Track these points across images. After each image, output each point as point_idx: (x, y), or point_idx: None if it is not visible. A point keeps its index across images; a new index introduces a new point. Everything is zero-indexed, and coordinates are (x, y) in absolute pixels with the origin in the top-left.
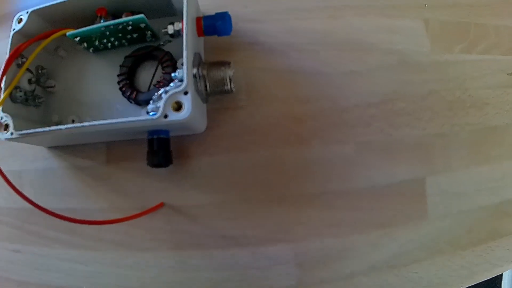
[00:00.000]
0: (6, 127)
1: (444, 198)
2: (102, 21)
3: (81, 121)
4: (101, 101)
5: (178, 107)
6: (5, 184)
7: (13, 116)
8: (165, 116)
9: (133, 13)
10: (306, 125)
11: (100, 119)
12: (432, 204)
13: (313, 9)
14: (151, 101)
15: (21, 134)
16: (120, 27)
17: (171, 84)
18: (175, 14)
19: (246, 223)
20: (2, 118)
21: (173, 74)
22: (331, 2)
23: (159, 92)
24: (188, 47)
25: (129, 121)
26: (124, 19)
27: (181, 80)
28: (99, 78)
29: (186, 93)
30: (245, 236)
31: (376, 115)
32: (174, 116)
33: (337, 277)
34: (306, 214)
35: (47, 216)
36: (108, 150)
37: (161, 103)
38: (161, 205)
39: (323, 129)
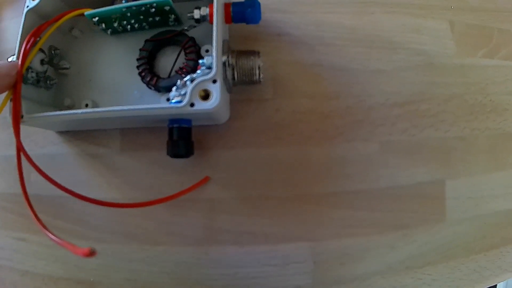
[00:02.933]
0: None
1: (461, 202)
2: (123, 1)
3: (96, 106)
4: (117, 85)
5: (206, 95)
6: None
7: (23, 98)
8: (192, 105)
9: None
10: (332, 122)
11: (116, 105)
12: (450, 208)
13: (341, 2)
14: (173, 88)
15: (32, 117)
16: (143, 9)
17: (198, 71)
18: None
19: (265, 220)
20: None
21: (200, 61)
22: None
23: (185, 79)
24: (218, 33)
25: (152, 109)
26: (148, 0)
27: (209, 68)
28: (115, 61)
29: (214, 81)
30: (263, 233)
31: (401, 115)
32: (201, 105)
33: (354, 277)
34: (326, 213)
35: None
36: (122, 137)
37: (186, 91)
38: (207, 179)
39: (348, 126)
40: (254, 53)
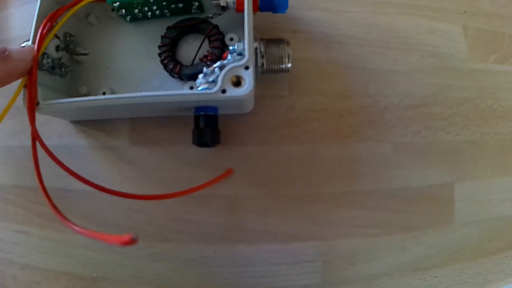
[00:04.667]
0: None
1: (470, 205)
2: None
3: (113, 93)
4: (135, 73)
5: (237, 82)
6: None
7: (39, 85)
8: (223, 91)
9: None
10: (346, 121)
11: (136, 90)
12: (459, 211)
13: (358, 2)
14: (200, 75)
15: (50, 104)
16: None
17: (228, 58)
18: None
19: (275, 219)
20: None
21: (231, 47)
22: None
23: (214, 65)
24: (249, 18)
25: (183, 94)
26: None
27: (240, 54)
28: (134, 49)
29: (247, 67)
30: (273, 231)
31: (414, 117)
32: (233, 92)
33: (362, 277)
34: (337, 213)
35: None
36: (131, 130)
37: (216, 78)
38: (230, 172)
39: (362, 126)
40: (283, 41)
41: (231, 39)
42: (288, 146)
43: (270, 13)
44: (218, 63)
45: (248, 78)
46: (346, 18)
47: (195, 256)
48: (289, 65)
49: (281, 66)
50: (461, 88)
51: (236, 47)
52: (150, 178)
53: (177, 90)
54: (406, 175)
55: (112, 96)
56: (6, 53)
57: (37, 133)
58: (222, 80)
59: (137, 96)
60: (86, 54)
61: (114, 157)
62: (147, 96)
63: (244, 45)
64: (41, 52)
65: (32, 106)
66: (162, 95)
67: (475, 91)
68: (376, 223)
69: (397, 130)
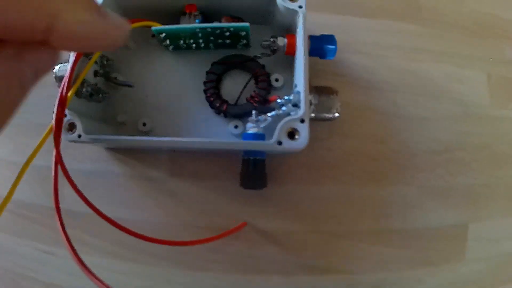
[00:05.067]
0: (72, 127)
1: (480, 243)
2: (197, 21)
3: (154, 125)
4: (177, 105)
5: (292, 133)
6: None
7: (79, 116)
8: (279, 143)
9: (232, 18)
10: (379, 165)
11: (176, 126)
12: (471, 248)
13: (395, 47)
14: (250, 119)
15: (93, 139)
16: (218, 31)
17: (283, 108)
18: (268, 24)
19: (308, 253)
20: (65, 115)
21: (286, 97)
22: (410, 44)
23: (270, 114)
24: (305, 69)
25: (240, 143)
26: (227, 24)
27: (295, 105)
28: (175, 78)
29: (302, 120)
30: (307, 265)
31: (440, 162)
32: (289, 144)
33: None
34: (365, 249)
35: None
36: (172, 163)
37: (275, 129)
38: (244, 224)
39: (393, 170)
40: (333, 91)
41: (277, 80)
42: (325, 186)
43: None
44: (273, 113)
45: (304, 131)
46: (384, 63)
47: (230, 286)
48: (337, 114)
49: (329, 115)
50: (481, 134)
51: (291, 97)
52: (192, 210)
53: (234, 139)
54: (427, 216)
55: (162, 138)
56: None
57: (61, 158)
58: (279, 133)
59: (193, 141)
60: (131, 86)
61: (153, 188)
62: (203, 142)
63: (300, 97)
64: (80, 79)
65: (59, 127)
66: (218, 142)
67: (493, 138)
68: (398, 259)
69: (424, 175)
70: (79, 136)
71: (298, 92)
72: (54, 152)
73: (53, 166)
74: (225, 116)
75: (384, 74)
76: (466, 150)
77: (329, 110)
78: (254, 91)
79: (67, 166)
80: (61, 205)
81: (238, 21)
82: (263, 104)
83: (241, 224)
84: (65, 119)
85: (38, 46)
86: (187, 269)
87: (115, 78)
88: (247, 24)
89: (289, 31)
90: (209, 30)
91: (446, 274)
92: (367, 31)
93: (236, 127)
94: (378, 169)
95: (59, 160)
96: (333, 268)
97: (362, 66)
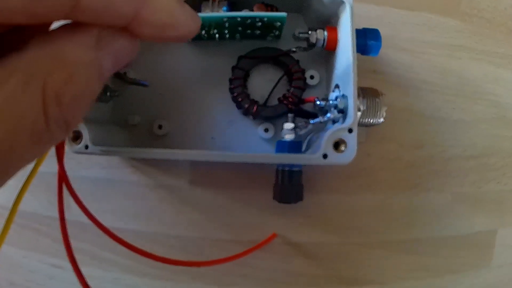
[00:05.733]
0: (77, 136)
1: (507, 249)
2: (224, 8)
3: (171, 128)
4: (197, 105)
5: (337, 144)
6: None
7: (85, 122)
8: (325, 156)
9: (265, 6)
10: (415, 172)
11: (197, 128)
12: (497, 254)
13: (434, 43)
14: (287, 125)
15: (103, 151)
16: (249, 21)
17: (328, 115)
18: (301, 12)
19: (340, 264)
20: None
21: (330, 101)
22: (449, 40)
23: (312, 121)
24: (354, 71)
25: (279, 157)
26: (261, 13)
27: (340, 112)
28: (194, 74)
29: (350, 130)
30: (339, 276)
31: (473, 167)
32: (335, 158)
33: None
34: (395, 258)
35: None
36: (192, 169)
37: (307, 132)
38: (274, 236)
39: (428, 177)
40: (378, 93)
41: (312, 77)
42: (359, 195)
43: None
44: (317, 120)
45: (352, 142)
46: (423, 61)
47: None
48: (382, 120)
49: (374, 120)
50: None
51: (338, 102)
52: (215, 222)
53: (266, 147)
54: (458, 223)
55: (186, 152)
56: None
57: (65, 173)
58: (325, 144)
59: (224, 155)
60: (146, 85)
61: (172, 197)
62: (235, 155)
63: (348, 102)
64: None
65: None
66: (253, 156)
67: None
68: (425, 267)
69: (457, 180)
70: (86, 147)
71: (345, 96)
72: (58, 166)
73: (56, 183)
74: (254, 118)
75: (424, 73)
76: (499, 154)
77: (375, 115)
78: (288, 90)
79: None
80: (69, 217)
81: (272, 10)
82: (298, 105)
83: (270, 236)
84: None
85: (118, 34)
86: (212, 284)
87: (125, 74)
88: (284, 14)
89: (328, 22)
90: (238, 19)
91: (470, 281)
92: (405, 25)
93: (266, 130)
94: (413, 175)
95: (63, 176)
96: (362, 278)
97: (401, 63)
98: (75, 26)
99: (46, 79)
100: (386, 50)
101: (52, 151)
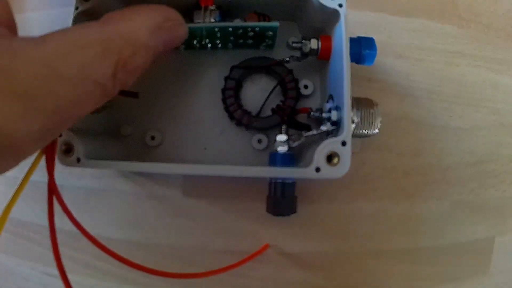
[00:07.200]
0: (68, 150)
1: (505, 256)
2: (217, 18)
3: (164, 139)
4: (189, 114)
5: (331, 159)
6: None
7: (77, 134)
8: (317, 170)
9: (258, 16)
10: (412, 180)
11: (189, 139)
12: (495, 261)
13: (432, 49)
14: (280, 137)
15: (96, 165)
16: (241, 31)
17: (322, 127)
18: (294, 20)
19: (336, 274)
20: (60, 135)
21: (324, 114)
22: (447, 46)
23: (306, 134)
24: (348, 82)
25: (272, 171)
26: (253, 24)
27: (334, 124)
28: (186, 83)
29: (344, 143)
30: (336, 285)
31: (472, 175)
32: (327, 172)
33: None
34: (393, 267)
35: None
36: (185, 179)
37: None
38: (266, 247)
39: (426, 185)
40: (373, 103)
41: (305, 87)
42: (356, 204)
43: None
44: (312, 132)
45: (345, 156)
46: (421, 68)
47: None
48: (377, 131)
49: (369, 132)
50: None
51: (331, 115)
52: (208, 232)
53: (263, 167)
54: (457, 231)
55: (181, 166)
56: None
57: (56, 187)
58: (317, 158)
59: (215, 168)
60: (135, 96)
61: (165, 207)
62: (227, 169)
63: (342, 114)
64: None
65: (52, 151)
66: (246, 170)
67: None
68: (425, 276)
69: (456, 189)
70: (78, 160)
71: (339, 108)
72: (48, 180)
73: (46, 197)
74: (247, 129)
75: (422, 81)
76: (497, 161)
77: (370, 127)
78: (282, 101)
79: (66, 183)
80: (63, 226)
81: (264, 19)
82: (291, 116)
83: (262, 247)
84: (60, 139)
85: (174, 28)
86: None
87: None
88: (276, 23)
89: (321, 31)
90: (230, 29)
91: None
92: (402, 31)
93: (259, 141)
94: (411, 184)
95: (53, 189)
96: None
97: (397, 71)
98: (141, 9)
99: (119, 55)
100: (382, 58)
101: (42, 162)
